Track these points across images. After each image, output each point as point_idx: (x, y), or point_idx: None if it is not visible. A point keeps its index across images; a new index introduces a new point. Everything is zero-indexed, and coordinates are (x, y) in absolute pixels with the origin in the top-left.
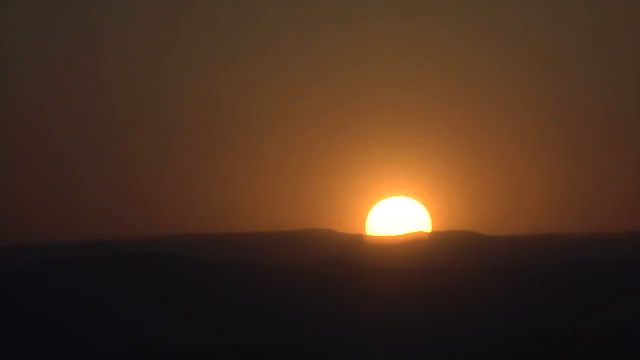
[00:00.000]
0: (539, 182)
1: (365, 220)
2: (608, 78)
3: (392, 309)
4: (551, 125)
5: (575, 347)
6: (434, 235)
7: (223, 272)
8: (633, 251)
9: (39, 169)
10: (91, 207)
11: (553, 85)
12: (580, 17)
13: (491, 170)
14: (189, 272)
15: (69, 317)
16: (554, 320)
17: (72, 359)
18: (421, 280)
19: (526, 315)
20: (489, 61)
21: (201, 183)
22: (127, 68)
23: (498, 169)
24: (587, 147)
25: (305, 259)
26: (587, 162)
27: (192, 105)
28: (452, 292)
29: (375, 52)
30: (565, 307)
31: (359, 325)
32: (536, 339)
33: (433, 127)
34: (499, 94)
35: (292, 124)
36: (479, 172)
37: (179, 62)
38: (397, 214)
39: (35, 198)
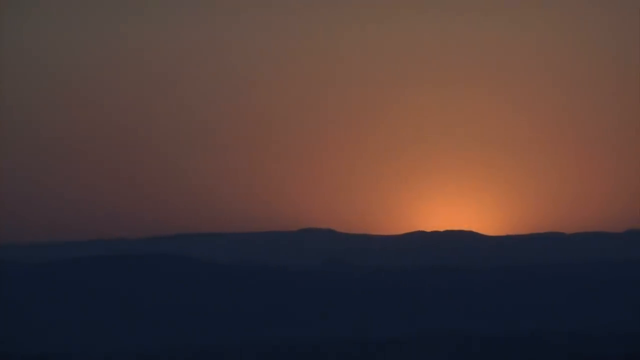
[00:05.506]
0: (539, 182)
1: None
2: (608, 79)
3: (391, 309)
4: (550, 127)
5: (575, 347)
6: (434, 235)
7: (223, 272)
8: (633, 251)
9: (39, 169)
10: (92, 207)
11: (552, 87)
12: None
13: (491, 170)
14: (189, 272)
15: (69, 316)
16: (554, 319)
17: (73, 357)
18: (420, 280)
19: (526, 314)
20: (487, 62)
21: (201, 183)
22: (129, 69)
23: (497, 170)
24: (587, 148)
25: (306, 259)
26: (587, 163)
27: (193, 107)
28: (451, 292)
29: (373, 53)
30: (565, 307)
31: (359, 324)
32: (536, 338)
33: (432, 128)
34: (500, 96)
35: (292, 124)
36: (479, 172)
37: (180, 64)
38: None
39: (35, 198)
